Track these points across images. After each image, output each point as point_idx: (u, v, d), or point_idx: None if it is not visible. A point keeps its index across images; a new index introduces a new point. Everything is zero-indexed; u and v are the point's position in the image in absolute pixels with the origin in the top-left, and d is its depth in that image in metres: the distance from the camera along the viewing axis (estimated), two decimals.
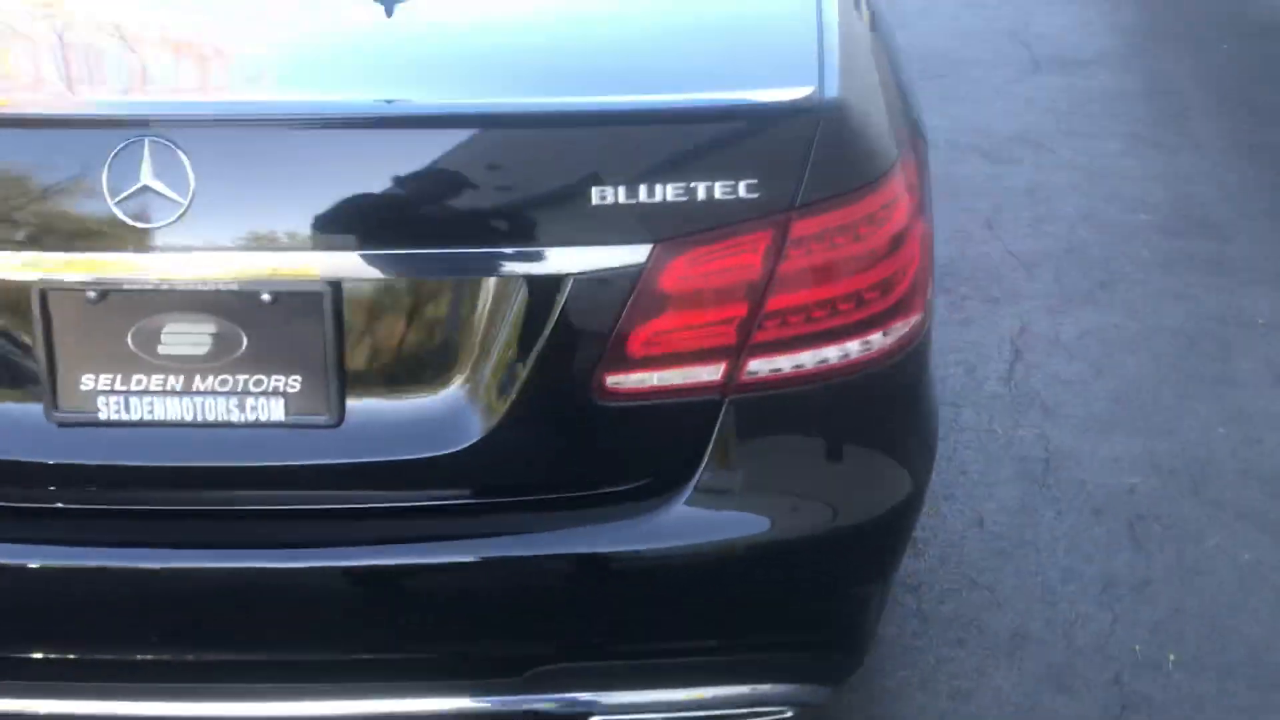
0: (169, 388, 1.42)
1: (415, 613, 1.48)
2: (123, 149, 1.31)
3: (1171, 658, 2.26)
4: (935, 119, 4.86)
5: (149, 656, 1.49)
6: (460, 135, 1.37)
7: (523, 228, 1.39)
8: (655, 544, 1.46)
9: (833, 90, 1.48)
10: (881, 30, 2.05)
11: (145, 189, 1.32)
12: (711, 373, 1.45)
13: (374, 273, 1.38)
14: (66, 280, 1.37)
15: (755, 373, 1.47)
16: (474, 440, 1.43)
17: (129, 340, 1.41)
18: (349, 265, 1.38)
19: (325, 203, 1.36)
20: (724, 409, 1.46)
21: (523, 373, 1.42)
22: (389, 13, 1.58)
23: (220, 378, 1.43)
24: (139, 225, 1.33)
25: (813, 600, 1.58)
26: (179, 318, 1.41)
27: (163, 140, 1.31)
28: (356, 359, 1.43)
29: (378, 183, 1.37)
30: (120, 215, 1.32)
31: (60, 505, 1.46)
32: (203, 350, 1.42)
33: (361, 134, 1.37)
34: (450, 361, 1.44)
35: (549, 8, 1.65)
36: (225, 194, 1.34)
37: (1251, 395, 3.05)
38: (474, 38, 1.57)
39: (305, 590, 1.45)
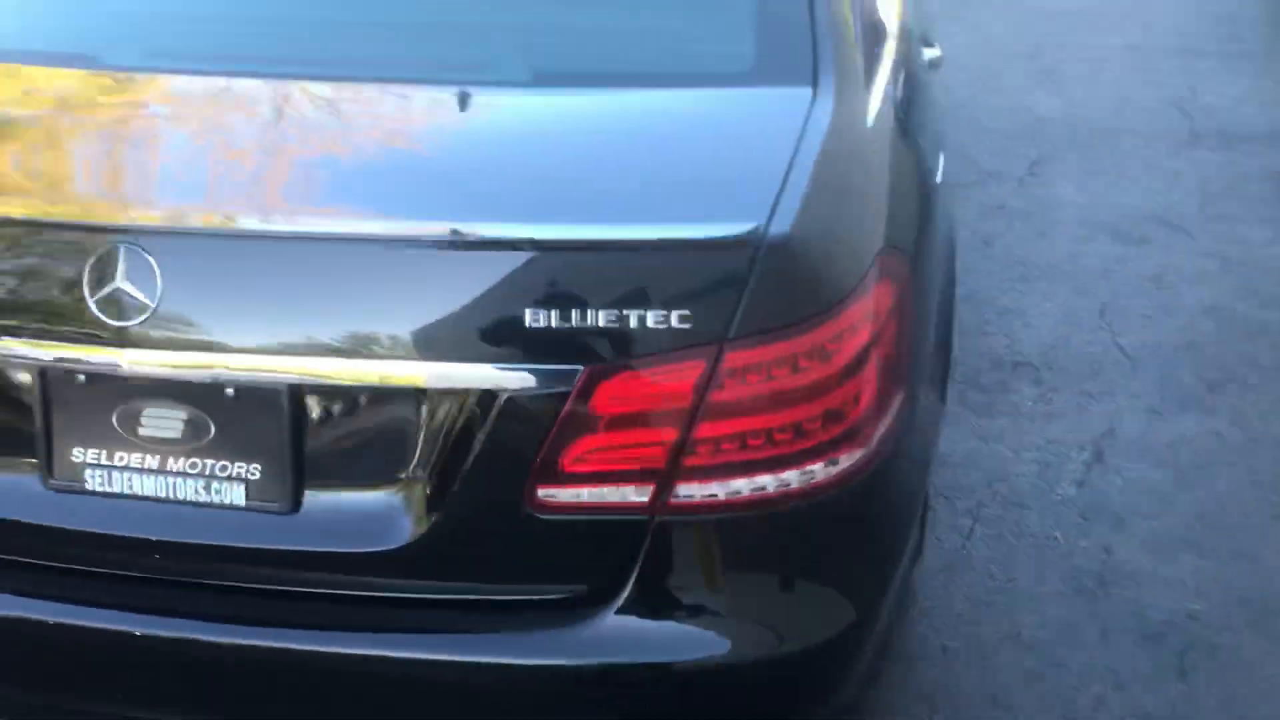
0: (146, 466, 1.56)
1: (345, 700, 1.56)
2: (103, 253, 1.46)
3: None
4: (1069, 193, 4.75)
5: (106, 708, 1.62)
6: (406, 254, 1.46)
7: (461, 344, 1.45)
8: (576, 657, 1.51)
9: (781, 223, 1.49)
10: (916, 135, 2.03)
11: (118, 290, 1.45)
12: (640, 493, 1.49)
13: (326, 379, 1.48)
14: (60, 364, 1.52)
15: (687, 496, 1.49)
16: (409, 540, 1.50)
17: (114, 420, 1.55)
18: (303, 370, 1.48)
19: (282, 312, 1.47)
20: (652, 529, 1.50)
21: (457, 479, 1.49)
22: (352, 134, 1.69)
23: (190, 461, 1.55)
24: (111, 322, 1.46)
25: None
26: (157, 403, 1.53)
27: (136, 247, 1.45)
28: (313, 454, 1.53)
29: (329, 296, 1.47)
30: (96, 312, 1.46)
31: (49, 564, 1.61)
32: (176, 434, 1.54)
33: (314, 250, 1.47)
34: (393, 465, 1.52)
35: (524, 130, 1.72)
36: (189, 299, 1.46)
37: None
38: (434, 160, 1.65)
39: (248, 665, 1.55)
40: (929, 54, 2.57)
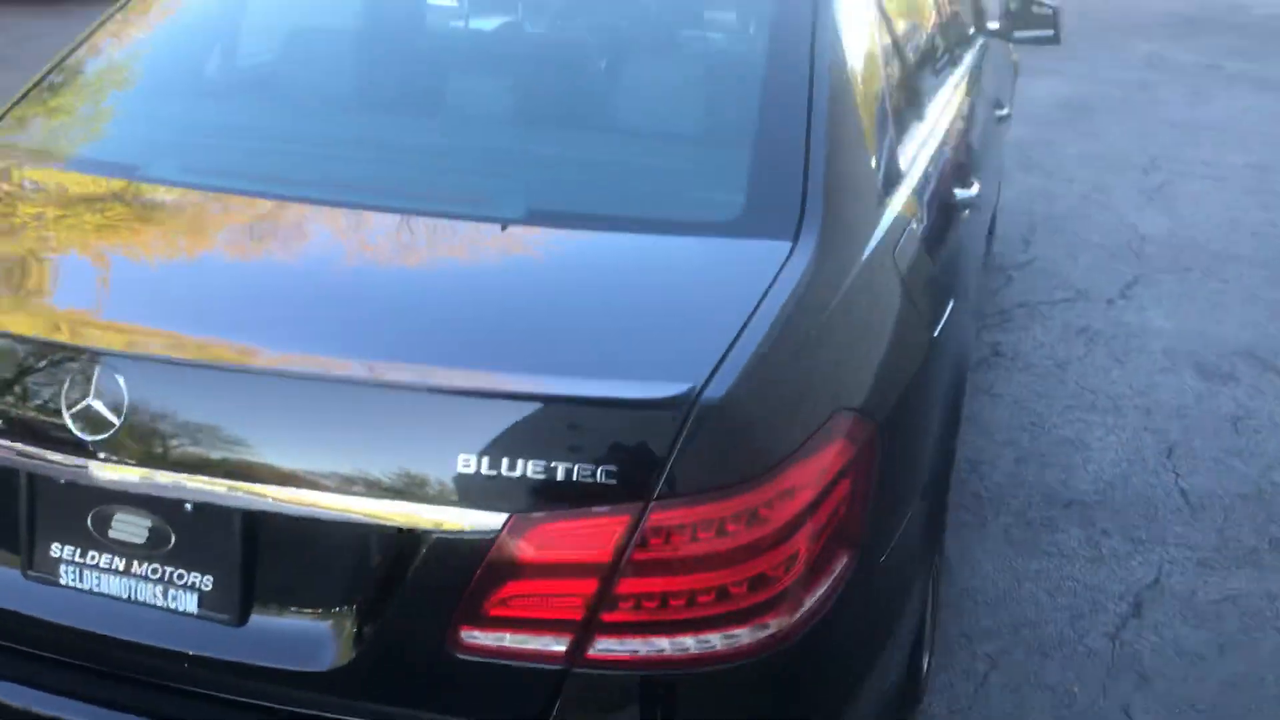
0: (113, 567, 1.65)
1: None
2: (79, 370, 1.57)
3: None
4: (1159, 320, 4.61)
5: None
6: (348, 393, 1.53)
7: (394, 483, 1.51)
8: None
9: (719, 385, 1.52)
10: (915, 287, 2.03)
11: (90, 405, 1.56)
12: (559, 643, 1.51)
13: (272, 506, 1.55)
14: (42, 467, 1.63)
15: (606, 651, 1.51)
16: (337, 664, 1.56)
17: (88, 522, 1.65)
18: (253, 495, 1.55)
19: (236, 440, 1.55)
20: (568, 680, 1.52)
21: (386, 611, 1.54)
22: (328, 263, 1.78)
23: (152, 566, 1.64)
24: (82, 435, 1.57)
25: None
26: (125, 510, 1.63)
27: (108, 367, 1.56)
28: (262, 573, 1.61)
29: (278, 429, 1.55)
30: (70, 424, 1.57)
31: (20, 648, 1.71)
32: (141, 540, 1.64)
33: (265, 384, 1.56)
34: (330, 591, 1.58)
35: (497, 269, 1.79)
36: (151, 419, 1.56)
37: None
38: (399, 296, 1.73)
39: None
40: (963, 194, 2.56)
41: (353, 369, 1.55)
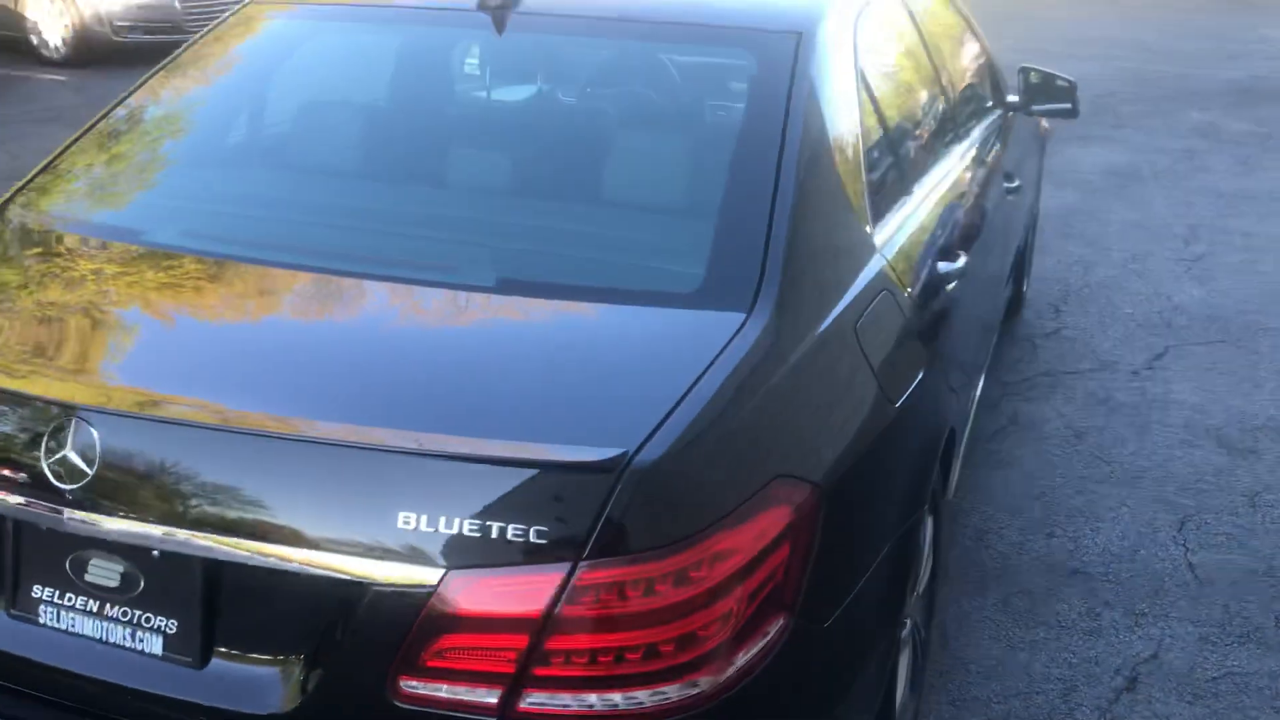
0: (87, 609, 1.76)
1: None
2: (58, 423, 1.69)
3: None
4: (1184, 392, 4.58)
5: None
6: (299, 452, 1.63)
7: (339, 538, 1.60)
8: None
9: (652, 450, 1.59)
10: (876, 360, 2.08)
11: (66, 456, 1.67)
12: (491, 695, 1.58)
13: (227, 553, 1.65)
14: (25, 513, 1.75)
15: (537, 704, 1.58)
16: (286, 709, 1.64)
17: (66, 565, 1.76)
18: (213, 545, 1.65)
19: (197, 493, 1.66)
20: None
21: (331, 659, 1.62)
22: (294, 326, 1.89)
23: (122, 609, 1.74)
24: (59, 484, 1.68)
25: None
26: (100, 555, 1.74)
27: (84, 421, 1.67)
28: (222, 619, 1.70)
29: (235, 483, 1.65)
30: (48, 473, 1.69)
31: (3, 683, 1.81)
32: (114, 584, 1.74)
33: (224, 441, 1.66)
34: (281, 639, 1.67)
35: (455, 334, 1.88)
36: (121, 470, 1.67)
37: None
38: (354, 358, 1.83)
39: None
40: (946, 267, 2.61)
41: (303, 429, 1.65)
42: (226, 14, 2.83)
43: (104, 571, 1.74)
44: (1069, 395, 4.56)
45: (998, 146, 3.83)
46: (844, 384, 2.01)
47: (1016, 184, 3.83)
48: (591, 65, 2.60)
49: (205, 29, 2.83)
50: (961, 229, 2.92)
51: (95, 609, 1.75)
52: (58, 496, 1.70)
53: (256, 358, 1.87)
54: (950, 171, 3.10)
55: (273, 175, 2.48)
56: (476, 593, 1.56)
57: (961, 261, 2.70)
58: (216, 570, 1.68)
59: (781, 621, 1.70)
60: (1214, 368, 4.83)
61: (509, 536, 1.55)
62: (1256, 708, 2.88)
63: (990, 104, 4.05)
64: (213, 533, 1.64)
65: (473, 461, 1.59)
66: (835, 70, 2.40)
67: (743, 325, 1.87)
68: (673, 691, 1.59)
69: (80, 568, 1.75)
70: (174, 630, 1.71)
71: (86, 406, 1.69)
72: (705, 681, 1.60)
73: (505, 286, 2.00)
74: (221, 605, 1.69)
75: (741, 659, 1.64)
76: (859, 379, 2.05)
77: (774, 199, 2.06)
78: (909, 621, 2.50)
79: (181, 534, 1.66)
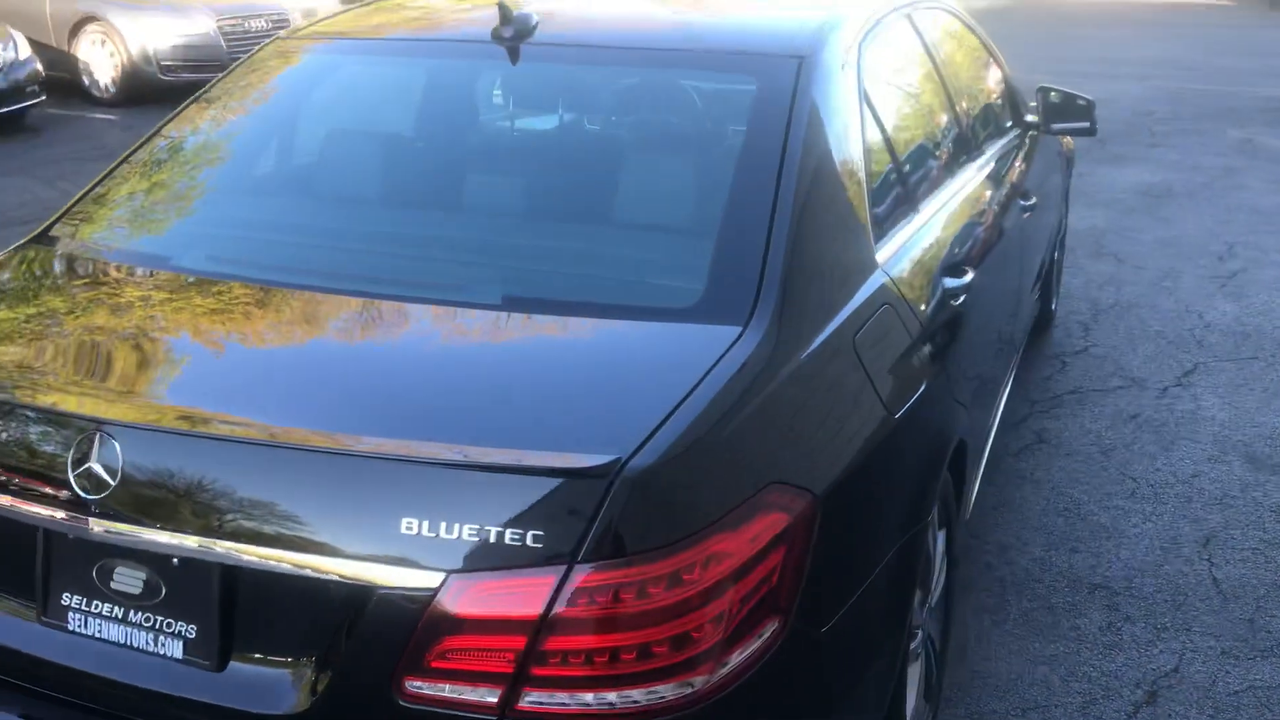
0: (113, 615, 1.84)
1: None
2: (84, 437, 1.78)
3: None
4: (1213, 408, 4.58)
5: None
6: (309, 462, 1.71)
7: (346, 544, 1.67)
8: None
9: (645, 457, 1.65)
10: (875, 371, 2.12)
11: (91, 468, 1.77)
12: (491, 694, 1.64)
13: (243, 560, 1.73)
14: (54, 524, 1.84)
15: (535, 703, 1.63)
16: (298, 710, 1.71)
17: (93, 574, 1.85)
18: (229, 551, 1.73)
19: (214, 502, 1.74)
20: None
21: (339, 661, 1.69)
22: (307, 344, 1.97)
23: (145, 615, 1.82)
24: (84, 495, 1.77)
25: None
26: (125, 564, 1.82)
27: (109, 435, 1.76)
28: (240, 624, 1.77)
29: (249, 492, 1.73)
30: (74, 484, 1.78)
31: (35, 688, 1.90)
32: (137, 591, 1.82)
33: (240, 453, 1.74)
34: (294, 642, 1.74)
35: (460, 350, 1.96)
36: (142, 481, 1.76)
37: None
38: (366, 373, 1.91)
39: None
40: (952, 283, 2.66)
41: (311, 439, 1.72)
42: (256, 48, 2.95)
43: (128, 579, 1.83)
44: (1096, 412, 4.56)
45: (1014, 165, 3.86)
46: (841, 395, 2.06)
47: (1033, 201, 3.86)
48: (598, 93, 2.69)
49: (237, 63, 2.95)
50: (971, 245, 2.96)
51: (120, 615, 1.83)
52: (83, 507, 1.79)
53: (268, 375, 1.95)
54: (961, 190, 3.15)
55: (293, 202, 2.58)
56: (476, 595, 1.63)
57: (968, 277, 2.74)
58: (233, 577, 1.75)
59: (776, 624, 1.75)
60: (1245, 384, 4.81)
61: (507, 541, 1.61)
62: None
63: (1007, 124, 4.09)
64: (228, 540, 1.72)
65: (472, 469, 1.66)
66: (837, 92, 2.47)
67: (738, 338, 1.93)
68: (667, 691, 1.64)
69: (106, 576, 1.84)
70: (193, 635, 1.79)
71: (110, 421, 1.79)
72: (700, 681, 1.65)
73: (510, 304, 2.08)
74: (238, 611, 1.77)
75: (736, 659, 1.69)
76: (857, 390, 2.10)
77: (772, 217, 2.13)
78: (920, 632, 2.53)
79: (199, 541, 1.74)
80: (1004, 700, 2.94)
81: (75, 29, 10.92)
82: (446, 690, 1.65)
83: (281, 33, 3.00)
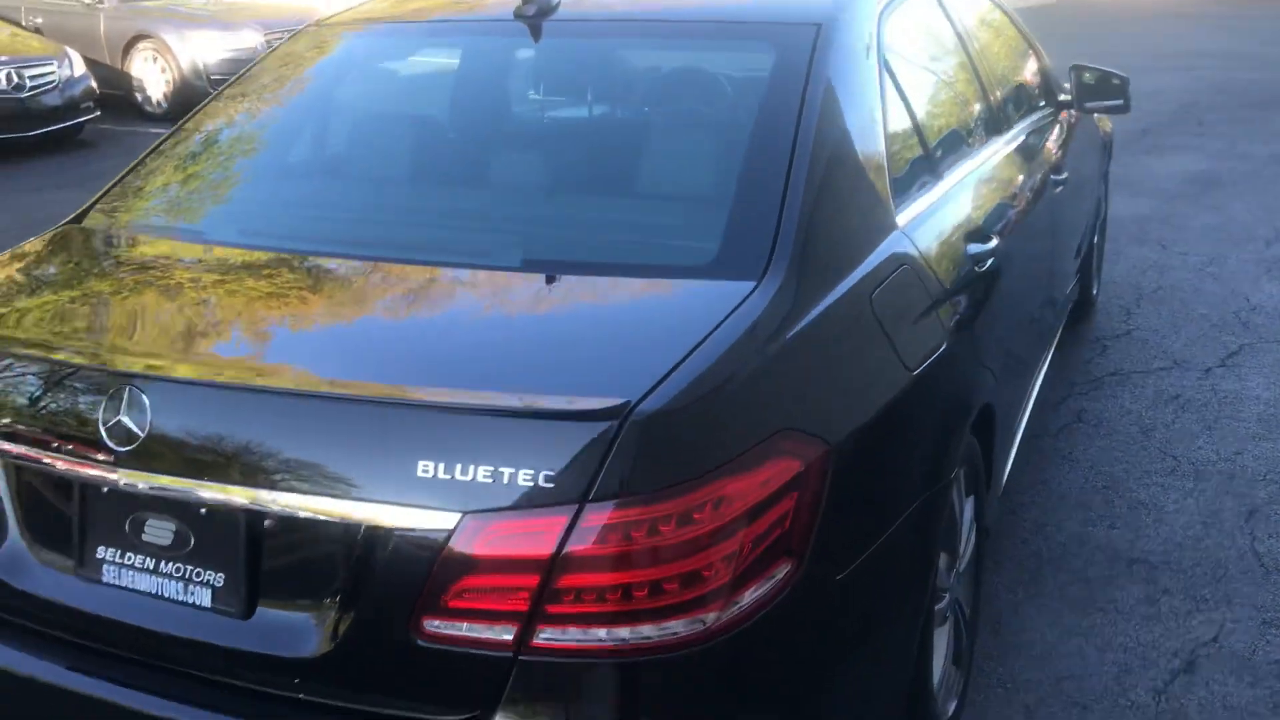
0: (144, 566, 1.90)
1: None
2: (114, 390, 1.84)
3: None
4: (1258, 388, 4.55)
5: None
6: (325, 409, 1.75)
7: (366, 488, 1.71)
8: None
9: (655, 400, 1.67)
10: (892, 327, 2.14)
11: (120, 421, 1.82)
12: (507, 632, 1.67)
13: (267, 508, 1.77)
14: (88, 479, 1.90)
15: (549, 640, 1.66)
16: (319, 653, 1.75)
17: (126, 527, 1.90)
18: (253, 499, 1.78)
19: (239, 450, 1.79)
20: (516, 666, 1.67)
21: (360, 602, 1.73)
22: (333, 304, 2.02)
23: (175, 565, 1.87)
24: (115, 447, 1.83)
25: None
26: (155, 516, 1.88)
27: (137, 389, 1.82)
28: (266, 571, 1.82)
29: (272, 441, 1.77)
30: (105, 437, 1.83)
31: (74, 639, 1.96)
32: (167, 542, 1.88)
33: (261, 401, 1.79)
34: (318, 586, 1.78)
35: (481, 308, 2.01)
36: (170, 432, 1.81)
37: None
38: (388, 328, 1.96)
39: None
40: (977, 248, 2.65)
41: (330, 386, 1.77)
42: (290, 34, 3.03)
43: (158, 531, 1.88)
44: (1137, 394, 4.51)
45: (1045, 142, 3.84)
46: (857, 348, 2.07)
47: (1065, 176, 3.83)
48: (617, 66, 2.72)
49: (273, 46, 3.03)
50: (997, 215, 2.96)
51: (151, 566, 1.89)
52: (114, 460, 1.84)
53: (291, 330, 2.01)
54: (988, 161, 3.14)
55: (324, 181, 2.64)
56: (490, 536, 1.66)
57: (993, 243, 2.74)
58: (257, 525, 1.80)
59: (790, 567, 1.77)
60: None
61: (520, 482, 1.64)
62: None
63: (1040, 102, 4.07)
64: (252, 488, 1.77)
65: (485, 414, 1.69)
66: (854, 59, 2.48)
67: (752, 293, 1.95)
68: (679, 626, 1.66)
69: (138, 529, 1.89)
70: (221, 584, 1.84)
71: (138, 375, 1.84)
72: (711, 617, 1.67)
73: (529, 266, 2.12)
74: (263, 559, 1.81)
75: (748, 598, 1.71)
76: (874, 345, 2.11)
77: (787, 178, 2.15)
78: (947, 596, 2.53)
79: (224, 490, 1.79)
80: (1038, 670, 2.92)
81: (128, 47, 11.20)
82: (464, 629, 1.69)
83: (312, 22, 3.08)
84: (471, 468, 1.66)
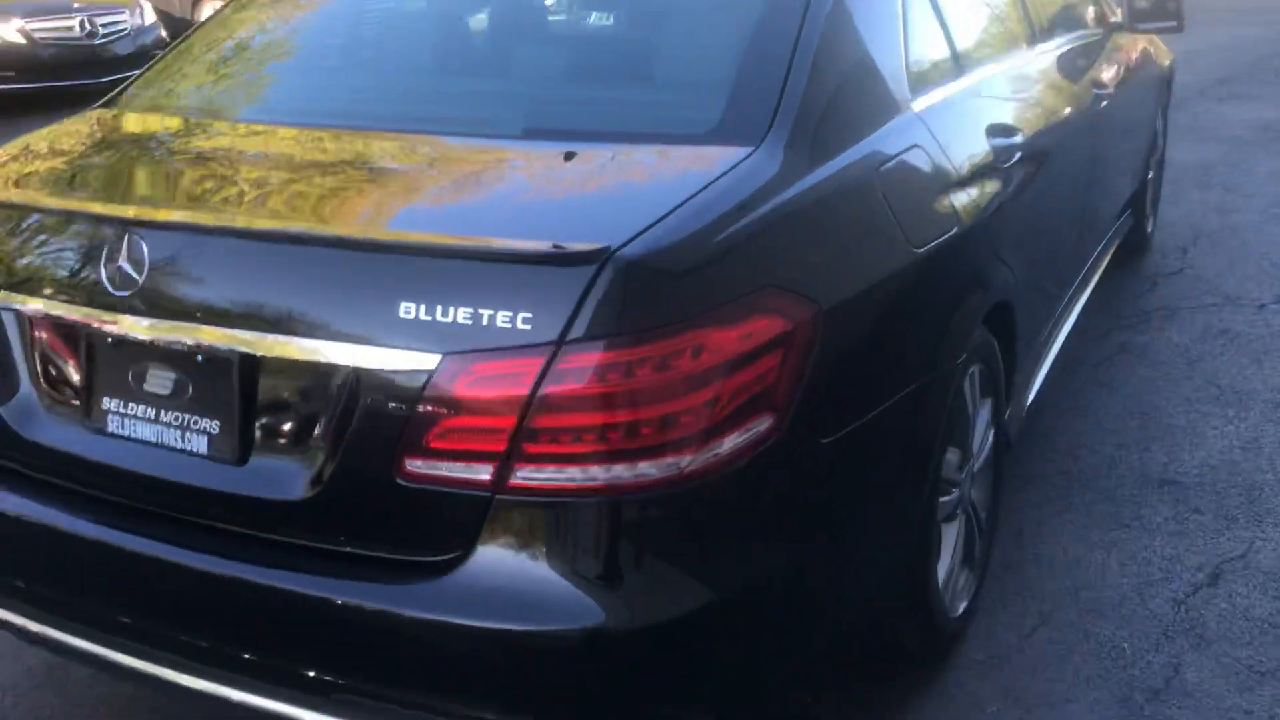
0: (146, 416, 1.94)
1: (251, 620, 1.84)
2: (114, 237, 1.88)
3: None
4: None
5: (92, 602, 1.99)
6: (313, 253, 1.78)
7: (351, 330, 1.73)
8: (417, 610, 1.71)
9: (635, 248, 1.67)
10: (895, 198, 2.12)
11: (120, 267, 1.87)
12: (485, 472, 1.69)
13: (263, 350, 1.81)
14: (94, 331, 1.95)
15: (526, 479, 1.68)
16: (307, 496, 1.78)
17: (129, 377, 1.95)
18: (244, 343, 1.81)
19: (232, 294, 1.83)
20: (493, 505, 1.69)
21: (344, 448, 1.76)
22: (332, 166, 2.06)
23: (175, 414, 1.92)
24: (115, 292, 1.87)
25: (575, 696, 1.72)
26: (157, 365, 1.92)
27: (136, 235, 1.86)
28: (259, 418, 1.86)
29: (264, 286, 1.81)
30: (106, 284, 1.88)
31: (81, 489, 2.02)
32: (167, 392, 1.92)
33: (252, 247, 1.82)
34: (305, 432, 1.81)
35: (476, 169, 2.03)
36: (167, 279, 1.85)
37: None
38: (384, 186, 1.98)
39: (187, 579, 1.87)
40: (1000, 142, 2.61)
41: (318, 230, 1.80)
42: None
43: (160, 380, 1.93)
44: (1185, 328, 4.40)
45: (1091, 59, 3.75)
46: (858, 219, 2.05)
47: (1112, 98, 3.74)
48: None
49: None
50: (1027, 116, 2.90)
51: (153, 415, 1.93)
52: (115, 305, 1.89)
53: (287, 186, 2.04)
54: (1023, 67, 3.08)
55: (333, 61, 2.67)
56: (470, 376, 1.67)
57: (1018, 139, 2.68)
58: (251, 371, 1.83)
59: (770, 421, 1.76)
60: None
61: (498, 323, 1.65)
62: None
63: (1088, 20, 3.97)
64: (245, 331, 1.80)
65: (467, 256, 1.71)
66: None
67: (748, 155, 1.94)
68: (653, 468, 1.66)
69: (141, 378, 1.94)
70: (217, 430, 1.88)
71: (136, 221, 1.89)
72: (686, 461, 1.67)
73: (530, 134, 2.13)
74: (256, 406, 1.85)
75: (726, 446, 1.70)
76: (876, 217, 2.08)
77: (794, 52, 2.12)
78: (956, 492, 2.50)
79: (219, 335, 1.82)
80: (1056, 580, 2.87)
81: None
82: (444, 469, 1.71)
83: None
84: (452, 310, 1.67)
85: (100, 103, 2.68)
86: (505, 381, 1.67)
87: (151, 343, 1.91)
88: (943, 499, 2.42)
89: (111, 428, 1.98)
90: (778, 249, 1.86)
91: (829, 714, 2.46)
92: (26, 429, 2.05)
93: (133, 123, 2.53)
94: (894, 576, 2.24)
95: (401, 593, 1.73)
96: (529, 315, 1.65)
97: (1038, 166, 2.88)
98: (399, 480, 1.73)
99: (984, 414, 2.68)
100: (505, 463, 1.68)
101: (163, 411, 1.93)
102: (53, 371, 2.05)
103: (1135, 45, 4.50)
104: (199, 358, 1.87)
